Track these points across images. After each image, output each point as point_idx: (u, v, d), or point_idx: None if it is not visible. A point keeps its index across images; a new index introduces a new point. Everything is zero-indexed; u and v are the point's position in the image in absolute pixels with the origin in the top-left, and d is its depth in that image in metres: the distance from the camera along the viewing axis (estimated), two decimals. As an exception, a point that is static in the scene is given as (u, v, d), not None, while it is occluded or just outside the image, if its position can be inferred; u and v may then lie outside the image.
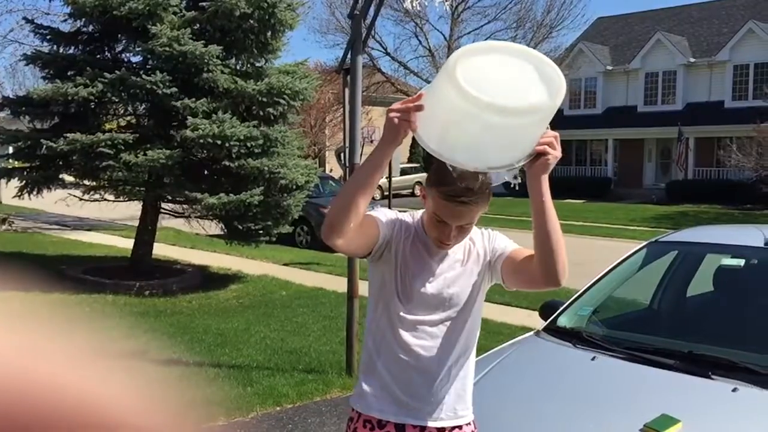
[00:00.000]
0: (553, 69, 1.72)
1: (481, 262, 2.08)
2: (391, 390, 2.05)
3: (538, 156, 1.77)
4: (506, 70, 1.69)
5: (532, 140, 1.73)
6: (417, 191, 29.48)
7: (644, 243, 4.04)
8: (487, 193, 1.92)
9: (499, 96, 1.61)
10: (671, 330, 3.65)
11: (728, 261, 3.61)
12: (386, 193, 16.92)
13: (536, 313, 3.81)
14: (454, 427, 2.08)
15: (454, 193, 1.88)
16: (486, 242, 2.09)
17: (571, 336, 3.30)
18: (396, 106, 1.75)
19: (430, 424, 2.06)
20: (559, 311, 3.54)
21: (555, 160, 1.78)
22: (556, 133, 1.79)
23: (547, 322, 3.52)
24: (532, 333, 3.51)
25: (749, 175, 23.22)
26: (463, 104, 1.61)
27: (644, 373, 2.85)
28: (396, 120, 1.73)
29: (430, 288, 2.03)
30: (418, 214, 2.10)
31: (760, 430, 2.47)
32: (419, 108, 1.71)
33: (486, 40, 28.63)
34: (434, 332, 2.04)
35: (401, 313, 2.03)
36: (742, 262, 3.56)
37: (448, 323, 2.05)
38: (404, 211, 2.13)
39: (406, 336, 2.03)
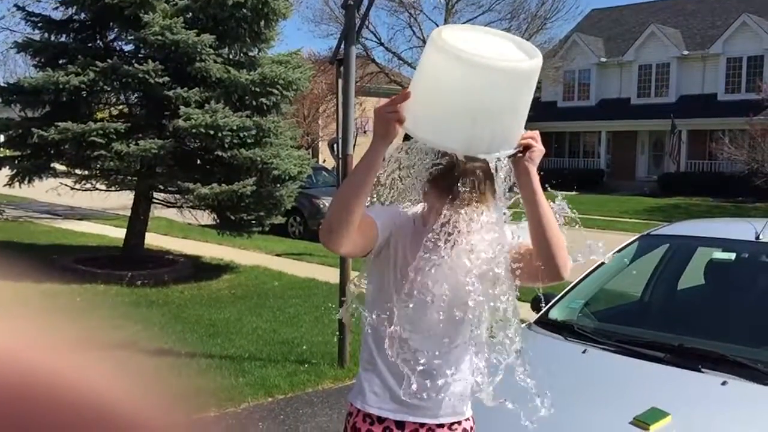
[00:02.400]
0: (529, 45, 1.82)
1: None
2: (390, 388, 2.03)
3: (523, 151, 1.82)
4: (488, 40, 1.80)
5: (516, 108, 1.76)
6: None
7: (636, 236, 4.05)
8: (489, 184, 1.90)
9: (482, 52, 1.69)
10: (662, 323, 3.66)
11: (719, 255, 3.62)
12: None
13: (527, 306, 3.81)
14: (453, 423, 2.07)
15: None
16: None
17: (563, 329, 3.31)
18: (383, 103, 1.80)
19: (430, 421, 2.05)
20: (550, 304, 3.55)
21: (540, 153, 1.84)
22: (537, 131, 1.84)
23: (539, 314, 3.53)
24: (523, 325, 3.51)
25: (741, 168, 23.31)
26: (447, 64, 1.68)
27: (634, 366, 2.86)
28: (383, 113, 1.76)
29: (431, 285, 1.99)
30: (419, 208, 2.06)
31: (749, 423, 2.48)
32: (406, 96, 1.74)
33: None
34: (435, 329, 2.01)
35: (402, 311, 1.99)
36: (732, 255, 3.57)
37: (449, 320, 2.02)
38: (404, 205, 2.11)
39: (407, 334, 2.00)
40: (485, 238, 2.01)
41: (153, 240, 10.86)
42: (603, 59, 31.35)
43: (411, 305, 1.99)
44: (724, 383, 2.63)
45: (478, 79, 1.67)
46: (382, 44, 28.67)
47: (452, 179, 1.88)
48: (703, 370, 2.73)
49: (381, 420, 2.05)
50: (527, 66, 1.71)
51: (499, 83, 1.68)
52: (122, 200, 10.88)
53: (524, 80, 1.72)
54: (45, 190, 10.04)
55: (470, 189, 1.88)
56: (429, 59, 1.73)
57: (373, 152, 1.81)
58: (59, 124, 8.13)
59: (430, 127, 1.76)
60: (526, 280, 2.00)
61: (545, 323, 3.41)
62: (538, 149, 1.83)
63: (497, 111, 1.72)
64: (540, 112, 30.58)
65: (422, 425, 2.04)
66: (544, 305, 3.59)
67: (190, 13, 8.70)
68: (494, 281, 1.96)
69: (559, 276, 1.89)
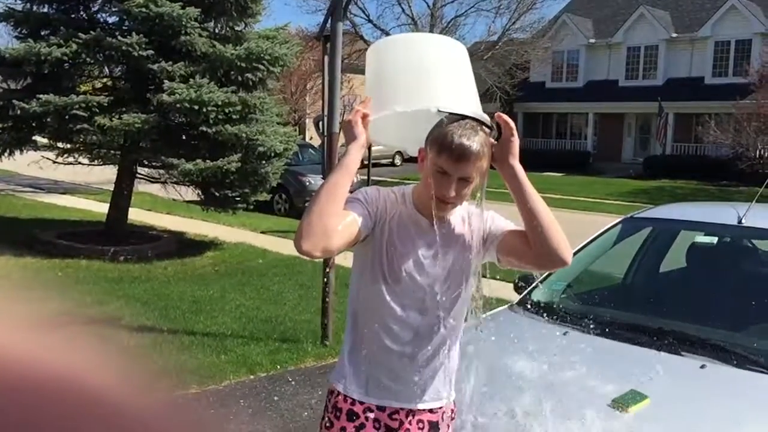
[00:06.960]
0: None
1: (474, 243, 1.99)
2: (374, 374, 2.01)
3: (501, 136, 1.88)
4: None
5: (453, 70, 2.01)
6: (397, 161, 29.40)
7: (620, 219, 4.06)
8: (484, 140, 1.85)
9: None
10: (643, 306, 3.68)
11: (701, 238, 3.64)
12: (365, 162, 16.86)
13: (510, 286, 3.82)
14: (434, 408, 2.07)
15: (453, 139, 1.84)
16: (480, 222, 2.00)
17: (544, 310, 3.31)
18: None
19: (411, 406, 2.04)
20: (533, 285, 3.55)
21: (516, 140, 1.90)
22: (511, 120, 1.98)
23: (521, 296, 3.54)
24: (505, 307, 3.52)
25: (726, 151, 23.45)
26: (387, 48, 2.12)
27: (614, 348, 2.87)
28: (348, 119, 1.86)
29: (419, 269, 1.96)
30: (409, 189, 2.02)
31: (727, 407, 2.50)
32: (366, 101, 1.90)
33: (469, 10, 28.34)
34: (422, 315, 1.99)
35: (388, 295, 1.96)
36: (715, 239, 3.59)
37: (432, 306, 1.98)
38: (389, 184, 2.09)
39: (392, 319, 1.97)
40: (473, 219, 2.00)
41: (136, 215, 10.79)
42: (592, 40, 31.29)
43: (397, 290, 1.97)
44: (702, 367, 2.64)
45: (412, 48, 2.06)
46: (370, 21, 28.40)
47: (444, 135, 1.82)
48: (682, 353, 2.75)
49: (362, 402, 2.04)
50: (439, 36, 2.25)
51: (431, 45, 2.09)
52: (106, 175, 10.78)
53: (441, 44, 2.09)
54: (27, 163, 9.93)
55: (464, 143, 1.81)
56: (371, 60, 2.05)
57: (348, 157, 1.84)
58: (41, 96, 8.01)
59: (392, 101, 1.92)
60: (528, 265, 2.00)
61: (527, 305, 3.42)
62: (515, 140, 1.90)
63: (443, 68, 1.97)
64: (528, 92, 30.64)
65: (403, 408, 2.04)
66: (526, 286, 3.60)
67: (176, -14, 8.56)
68: (474, 266, 1.95)
69: (562, 260, 1.88)
